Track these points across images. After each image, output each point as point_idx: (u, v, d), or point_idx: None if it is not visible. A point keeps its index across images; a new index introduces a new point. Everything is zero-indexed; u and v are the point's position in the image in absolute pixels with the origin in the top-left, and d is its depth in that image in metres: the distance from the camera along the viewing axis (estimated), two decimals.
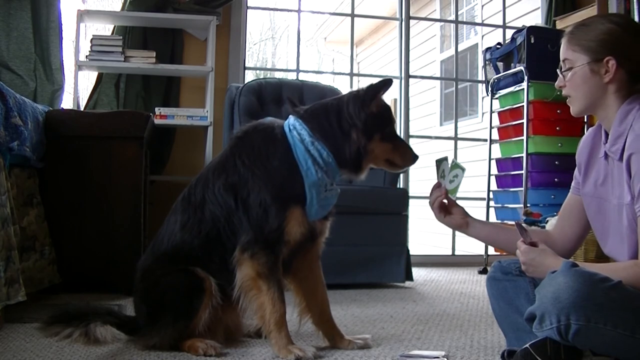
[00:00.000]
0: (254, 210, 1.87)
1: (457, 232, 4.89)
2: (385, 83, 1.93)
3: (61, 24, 3.98)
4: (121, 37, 4.02)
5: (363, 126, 1.90)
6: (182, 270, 1.91)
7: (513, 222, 1.89)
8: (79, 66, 3.93)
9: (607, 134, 1.68)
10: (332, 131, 1.92)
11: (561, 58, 1.72)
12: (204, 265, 1.92)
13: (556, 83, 1.75)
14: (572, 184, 1.87)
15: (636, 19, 3.69)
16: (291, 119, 1.96)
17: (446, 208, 1.93)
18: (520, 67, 4.07)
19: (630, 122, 1.59)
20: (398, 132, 5.24)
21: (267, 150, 1.92)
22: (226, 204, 1.91)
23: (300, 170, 1.89)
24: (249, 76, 7.89)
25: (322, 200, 1.91)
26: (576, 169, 1.84)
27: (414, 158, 2.00)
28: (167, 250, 1.98)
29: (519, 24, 5.25)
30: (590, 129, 1.84)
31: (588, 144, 1.80)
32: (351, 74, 5.31)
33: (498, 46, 4.55)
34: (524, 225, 1.77)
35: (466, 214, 1.92)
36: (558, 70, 1.73)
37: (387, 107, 1.98)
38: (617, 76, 1.63)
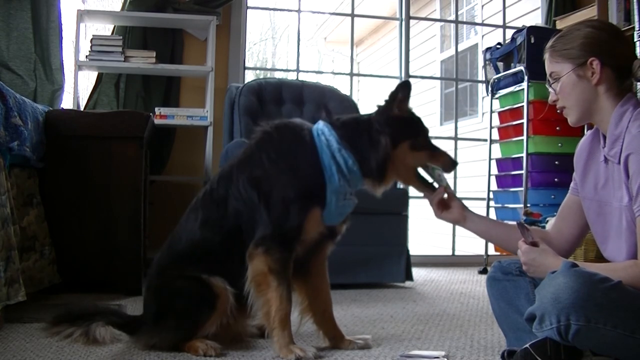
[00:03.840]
0: (276, 205, 1.86)
1: (457, 233, 4.96)
2: (403, 86, 1.92)
3: (61, 24, 3.99)
4: (121, 37, 4.02)
5: (390, 130, 1.89)
6: (199, 280, 1.89)
7: (514, 223, 1.88)
8: (79, 66, 3.93)
9: (605, 138, 1.68)
10: (361, 140, 1.91)
11: (547, 73, 1.74)
12: (222, 266, 1.91)
13: (549, 99, 1.77)
14: (571, 184, 1.87)
15: (636, 19, 3.68)
16: (320, 124, 1.95)
17: (445, 204, 1.93)
18: (520, 67, 4.07)
19: (625, 124, 1.60)
20: None
21: (296, 149, 1.92)
22: (250, 200, 1.90)
23: (324, 174, 1.89)
24: (249, 76, 7.87)
25: (339, 207, 1.91)
26: (575, 172, 1.84)
27: (453, 164, 1.97)
28: (186, 249, 1.96)
29: (519, 24, 5.25)
30: (588, 132, 1.84)
31: (586, 147, 1.80)
32: (351, 74, 5.31)
33: (498, 46, 4.54)
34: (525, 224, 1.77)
35: (464, 208, 1.92)
36: (547, 85, 1.74)
37: (417, 117, 1.98)
38: (604, 75, 1.64)
